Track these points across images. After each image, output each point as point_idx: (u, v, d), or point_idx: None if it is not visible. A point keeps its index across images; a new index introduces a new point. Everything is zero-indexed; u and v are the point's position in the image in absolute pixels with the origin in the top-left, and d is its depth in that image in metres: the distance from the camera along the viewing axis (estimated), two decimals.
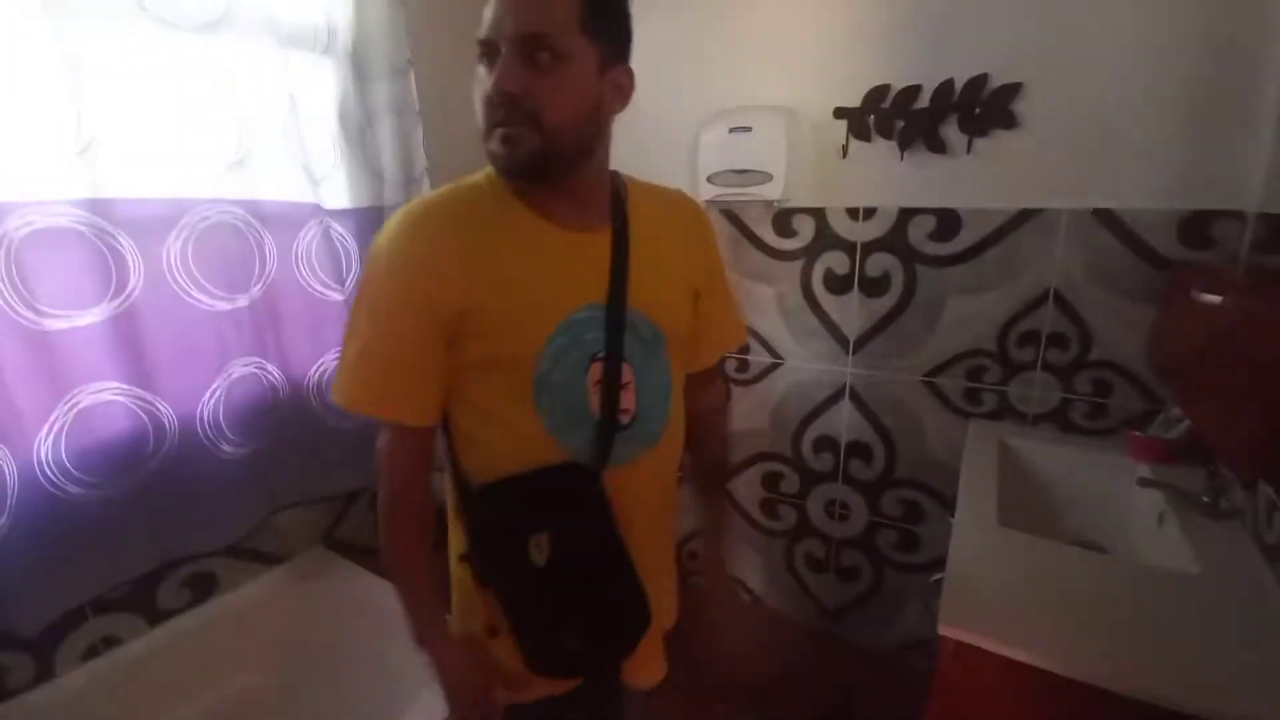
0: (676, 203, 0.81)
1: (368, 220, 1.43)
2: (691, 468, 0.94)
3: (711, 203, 1.59)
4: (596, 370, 0.68)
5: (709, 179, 1.53)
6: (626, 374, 0.69)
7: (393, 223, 0.66)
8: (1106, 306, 1.30)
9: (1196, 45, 1.14)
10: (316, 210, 1.33)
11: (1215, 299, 0.93)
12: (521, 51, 0.59)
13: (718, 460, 0.96)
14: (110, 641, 1.17)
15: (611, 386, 0.68)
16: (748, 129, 1.46)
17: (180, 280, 1.15)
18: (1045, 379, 1.40)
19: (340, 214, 1.39)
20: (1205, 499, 1.06)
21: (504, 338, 0.65)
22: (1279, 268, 1.04)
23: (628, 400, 0.70)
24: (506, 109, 0.60)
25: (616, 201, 0.72)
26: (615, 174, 0.75)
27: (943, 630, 0.83)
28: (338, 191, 1.40)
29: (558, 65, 0.60)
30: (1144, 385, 1.30)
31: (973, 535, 1.02)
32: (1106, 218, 1.26)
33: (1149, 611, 0.85)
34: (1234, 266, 1.07)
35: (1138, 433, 1.26)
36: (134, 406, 1.11)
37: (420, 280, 0.63)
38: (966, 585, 0.91)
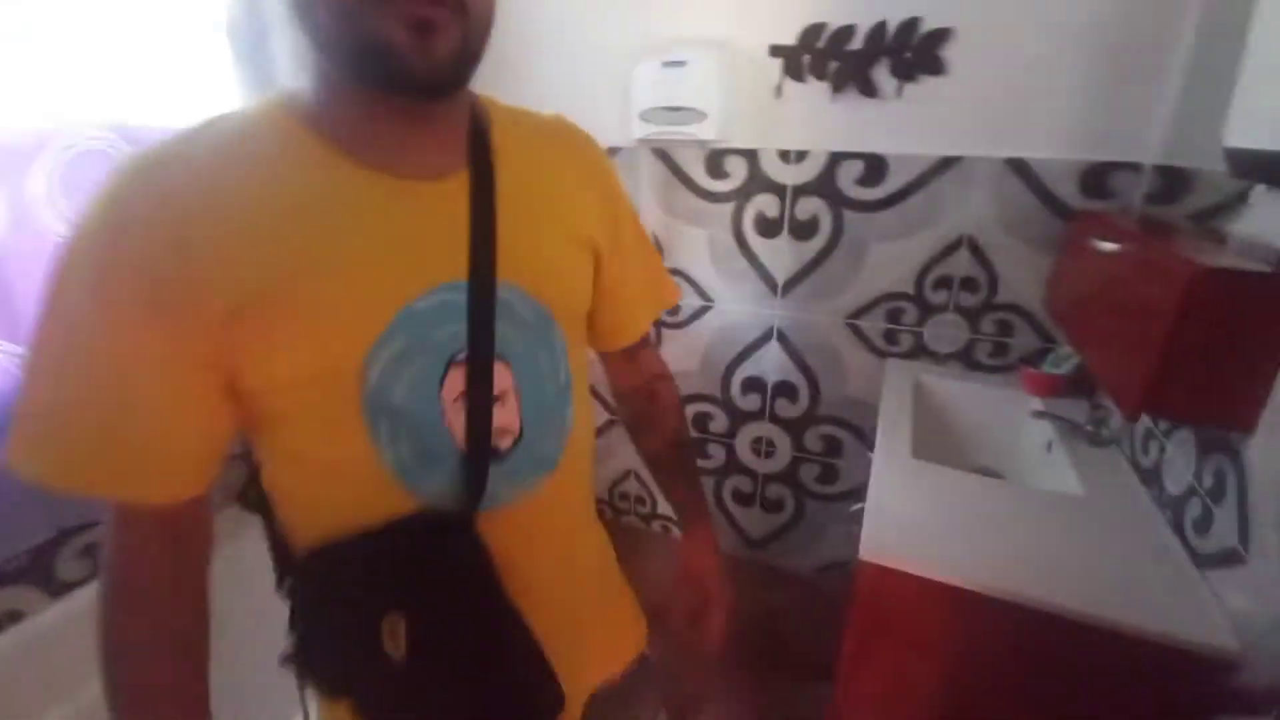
0: (558, 133, 0.61)
1: None
2: (644, 455, 0.79)
3: (644, 141, 1.55)
4: (458, 379, 0.48)
5: (642, 116, 1.48)
6: (503, 378, 0.50)
7: (110, 182, 0.42)
8: (1013, 252, 1.39)
9: (1115, 3, 1.18)
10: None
11: (1110, 246, 1.01)
12: None
13: (672, 436, 0.77)
14: (14, 616, 1.08)
15: (480, 401, 0.49)
16: (682, 63, 1.41)
17: (49, 219, 1.01)
18: (956, 320, 1.49)
19: None
20: (1088, 428, 1.18)
21: (306, 346, 0.44)
22: (1169, 218, 1.13)
23: (506, 416, 0.51)
24: None
25: (476, 134, 0.52)
26: (473, 97, 0.55)
27: (863, 555, 0.90)
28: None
29: None
30: (1039, 326, 1.41)
31: (890, 468, 1.09)
32: (1018, 167, 1.33)
33: (1041, 530, 0.95)
34: (1128, 216, 1.16)
35: (1031, 369, 1.38)
36: (5, 362, 0.99)
37: (157, 267, 0.40)
38: (884, 514, 0.98)
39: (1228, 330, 0.77)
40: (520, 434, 0.52)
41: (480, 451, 0.50)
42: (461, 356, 0.49)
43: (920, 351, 1.54)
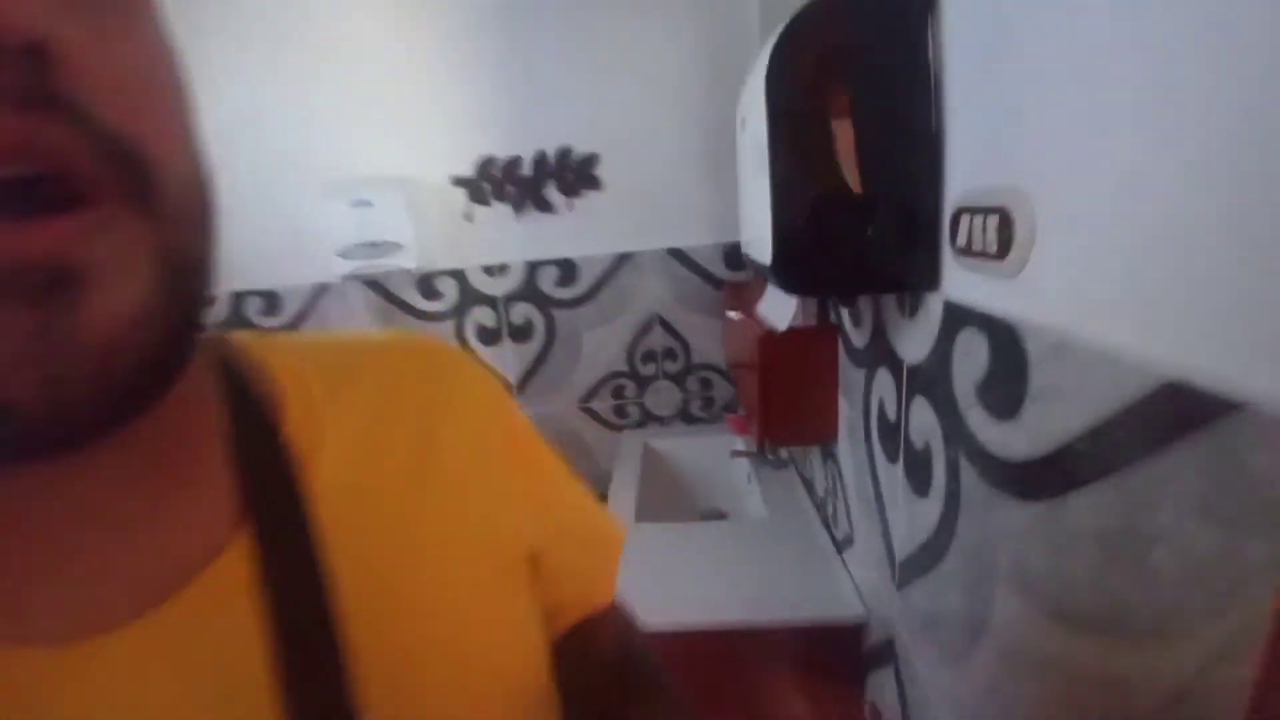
0: (416, 376, 0.34)
1: None
2: None
3: (351, 277, 1.58)
4: None
5: (341, 254, 1.52)
6: None
7: None
8: (694, 322, 1.65)
9: (704, 125, 1.52)
10: None
11: (733, 315, 1.27)
12: None
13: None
14: None
15: None
16: (368, 203, 1.50)
17: None
18: (668, 386, 1.71)
19: None
20: (769, 456, 1.43)
21: None
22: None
23: None
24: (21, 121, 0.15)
25: (251, 446, 0.26)
26: (221, 345, 0.29)
27: None
28: None
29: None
30: (730, 376, 1.69)
31: None
32: (678, 254, 1.61)
33: (732, 557, 1.12)
34: (759, 281, 1.47)
35: (730, 414, 1.63)
36: None
37: None
38: None
39: (796, 372, 1.01)
40: None
41: None
42: None
43: (648, 419, 1.74)
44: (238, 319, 1.65)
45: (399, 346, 0.35)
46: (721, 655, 0.98)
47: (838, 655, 0.98)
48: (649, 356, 1.69)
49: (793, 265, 0.61)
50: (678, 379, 1.70)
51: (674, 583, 1.06)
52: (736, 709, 1.00)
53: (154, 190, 0.18)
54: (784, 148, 0.60)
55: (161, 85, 0.19)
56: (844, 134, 0.61)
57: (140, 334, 0.18)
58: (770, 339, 0.99)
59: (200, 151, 0.21)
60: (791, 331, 1.01)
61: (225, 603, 0.23)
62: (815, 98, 0.61)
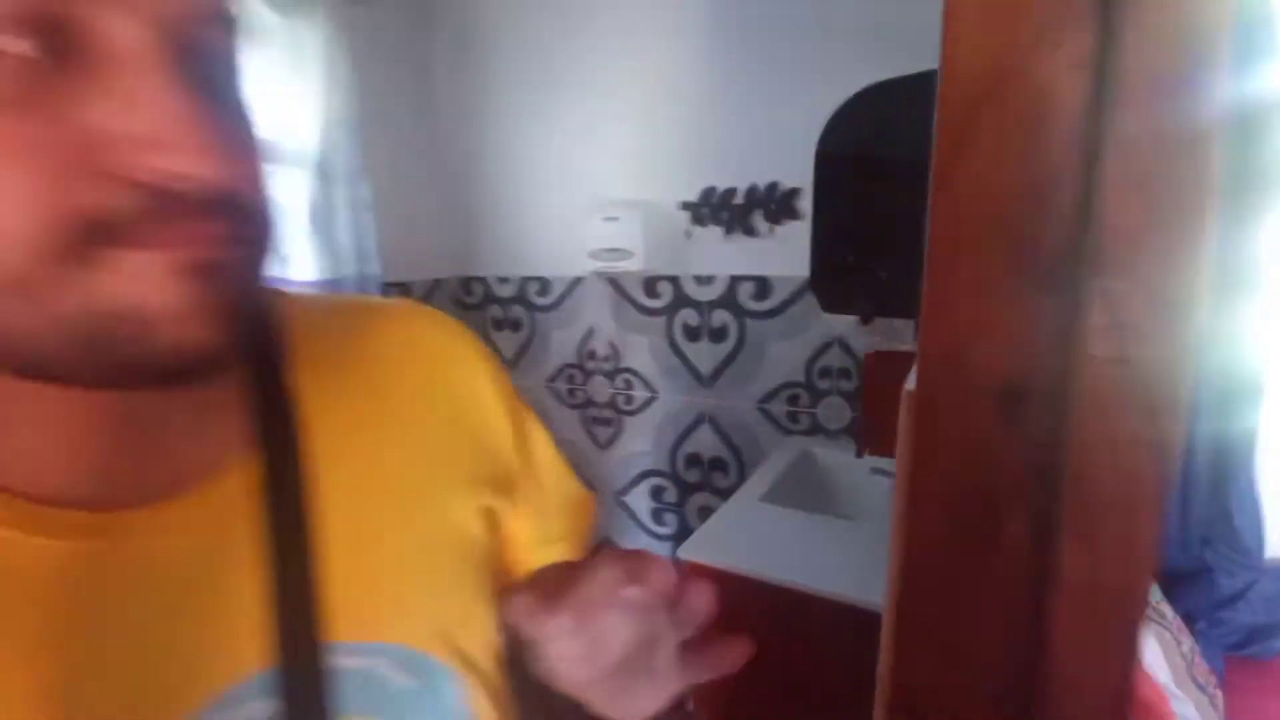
0: (407, 337, 0.41)
1: (328, 289, 1.90)
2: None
3: (596, 273, 2.07)
4: None
5: (590, 255, 2.01)
6: None
7: None
8: (872, 348, 1.76)
9: None
10: (286, 284, 1.80)
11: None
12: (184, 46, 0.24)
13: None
14: None
15: None
16: (615, 218, 1.95)
17: None
18: (840, 403, 1.84)
19: (308, 285, 1.86)
20: None
21: None
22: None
23: None
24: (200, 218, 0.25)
25: (266, 387, 0.33)
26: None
27: (679, 554, 1.24)
28: (306, 267, 1.87)
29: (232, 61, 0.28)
30: None
31: (735, 506, 1.44)
32: None
33: (827, 542, 1.27)
34: None
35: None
36: None
37: None
38: (711, 532, 1.32)
39: (895, 389, 1.13)
40: None
41: None
42: None
43: (816, 429, 1.89)
44: (521, 296, 2.28)
45: (400, 312, 0.43)
46: (783, 608, 1.16)
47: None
48: (825, 373, 1.84)
49: (820, 287, 0.80)
50: (850, 397, 1.82)
51: (770, 547, 1.26)
52: (781, 656, 1.17)
53: (248, 218, 0.27)
54: (822, 196, 0.81)
55: (245, 143, 0.28)
56: (872, 191, 0.79)
57: (241, 303, 0.27)
58: (877, 357, 1.13)
59: (266, 183, 0.29)
60: (897, 354, 1.13)
61: (230, 509, 0.30)
62: (856, 155, 0.80)
